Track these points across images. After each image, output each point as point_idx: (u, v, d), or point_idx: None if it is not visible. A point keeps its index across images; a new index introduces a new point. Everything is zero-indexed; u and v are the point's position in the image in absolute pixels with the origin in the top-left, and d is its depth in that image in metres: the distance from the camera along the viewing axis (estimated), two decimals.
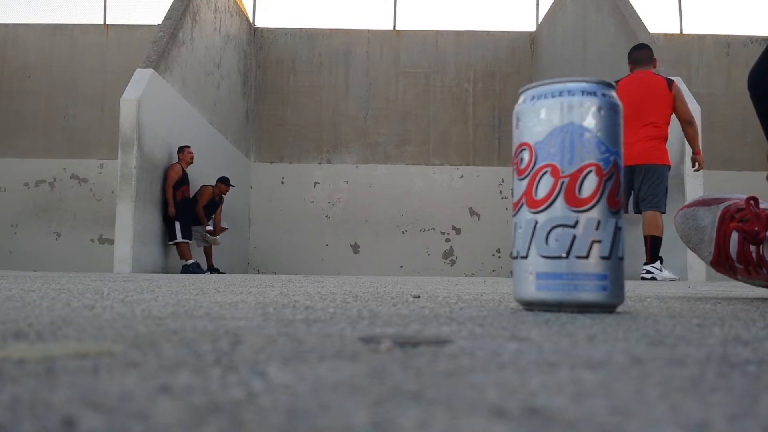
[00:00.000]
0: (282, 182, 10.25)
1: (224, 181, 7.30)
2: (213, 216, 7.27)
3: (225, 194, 7.38)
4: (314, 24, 12.75)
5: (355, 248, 10.14)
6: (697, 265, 5.77)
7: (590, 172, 0.74)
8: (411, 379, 0.31)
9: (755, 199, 1.16)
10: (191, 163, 6.83)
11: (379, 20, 14.19)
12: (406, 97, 10.50)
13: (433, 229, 10.14)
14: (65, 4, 15.38)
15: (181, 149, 6.77)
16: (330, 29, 10.63)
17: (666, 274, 4.81)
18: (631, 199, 4.84)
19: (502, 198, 10.25)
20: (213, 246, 7.35)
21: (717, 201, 1.24)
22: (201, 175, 7.28)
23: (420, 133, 10.42)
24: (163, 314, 0.67)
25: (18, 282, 1.70)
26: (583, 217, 0.74)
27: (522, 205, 0.78)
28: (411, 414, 0.24)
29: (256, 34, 10.57)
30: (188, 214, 6.78)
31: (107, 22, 10.04)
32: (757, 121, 1.32)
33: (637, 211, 4.81)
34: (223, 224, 7.41)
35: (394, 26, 10.72)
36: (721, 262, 1.22)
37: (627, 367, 0.35)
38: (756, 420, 0.23)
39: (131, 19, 16.82)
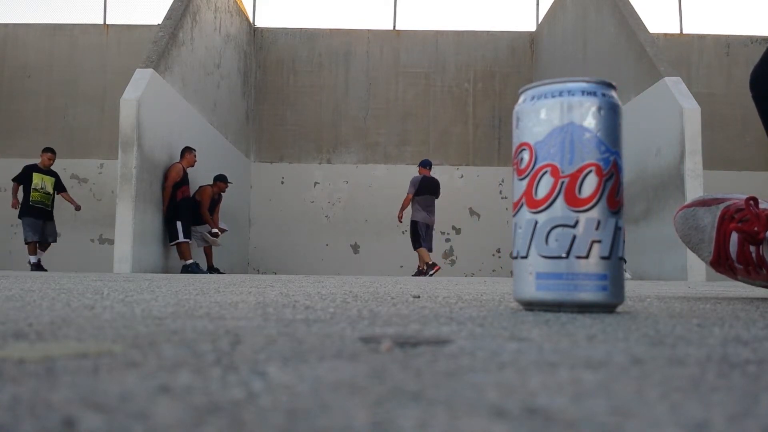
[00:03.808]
0: (282, 182, 10.25)
1: (222, 179, 7.29)
2: (212, 215, 7.26)
3: (224, 192, 7.38)
4: (314, 24, 12.76)
5: (355, 248, 10.13)
6: (697, 265, 5.77)
7: (590, 172, 0.74)
8: (411, 379, 0.31)
9: (755, 199, 1.16)
10: (193, 166, 6.84)
11: (379, 20, 14.20)
12: (406, 97, 10.49)
13: (433, 229, 10.12)
14: (65, 4, 15.39)
15: (189, 150, 6.75)
16: (330, 29, 10.62)
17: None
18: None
19: (502, 198, 10.25)
20: (213, 246, 7.34)
21: (717, 201, 1.24)
22: (201, 175, 7.28)
23: (420, 133, 10.42)
24: (163, 314, 0.67)
25: (18, 282, 1.70)
26: (583, 217, 0.74)
27: (522, 205, 0.78)
28: (411, 414, 0.24)
29: (256, 34, 10.56)
30: (189, 214, 6.77)
31: (107, 22, 10.04)
32: (757, 121, 1.32)
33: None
34: (223, 225, 7.40)
35: (394, 26, 10.72)
36: (721, 263, 1.22)
37: (627, 367, 0.35)
38: (756, 420, 0.23)
39: (131, 19, 16.84)
